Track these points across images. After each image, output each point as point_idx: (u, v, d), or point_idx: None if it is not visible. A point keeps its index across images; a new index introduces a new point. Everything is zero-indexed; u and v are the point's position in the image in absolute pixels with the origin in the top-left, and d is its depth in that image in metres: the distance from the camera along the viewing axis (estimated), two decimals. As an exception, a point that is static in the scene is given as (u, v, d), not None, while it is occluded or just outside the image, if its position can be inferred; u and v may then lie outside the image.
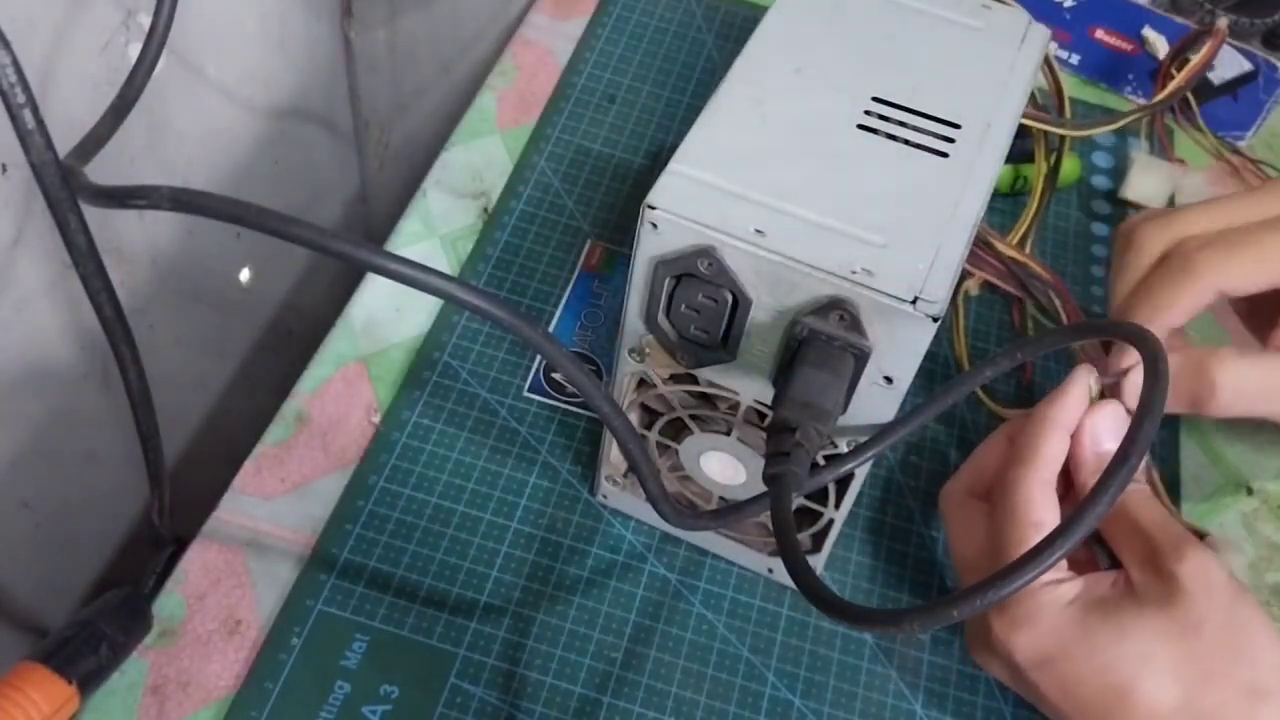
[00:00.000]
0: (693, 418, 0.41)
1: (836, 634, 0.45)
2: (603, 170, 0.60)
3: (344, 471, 0.48)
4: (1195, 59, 0.57)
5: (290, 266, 0.62)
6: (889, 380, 0.34)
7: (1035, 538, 0.35)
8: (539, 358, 0.52)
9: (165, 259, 0.49)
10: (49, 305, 0.42)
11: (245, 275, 0.57)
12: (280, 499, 0.47)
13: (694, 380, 0.38)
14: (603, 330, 0.53)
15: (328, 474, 0.47)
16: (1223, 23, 0.56)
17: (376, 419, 0.49)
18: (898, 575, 0.47)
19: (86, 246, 0.33)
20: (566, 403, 0.51)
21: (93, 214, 0.32)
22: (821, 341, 0.33)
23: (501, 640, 0.44)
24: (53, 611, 0.49)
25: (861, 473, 0.39)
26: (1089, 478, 0.39)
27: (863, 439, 0.36)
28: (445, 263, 0.55)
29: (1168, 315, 0.41)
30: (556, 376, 0.51)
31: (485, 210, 0.57)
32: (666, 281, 0.35)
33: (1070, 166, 0.60)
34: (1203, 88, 0.63)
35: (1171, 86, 0.57)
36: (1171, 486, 0.51)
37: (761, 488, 0.35)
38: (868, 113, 0.37)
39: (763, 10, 0.41)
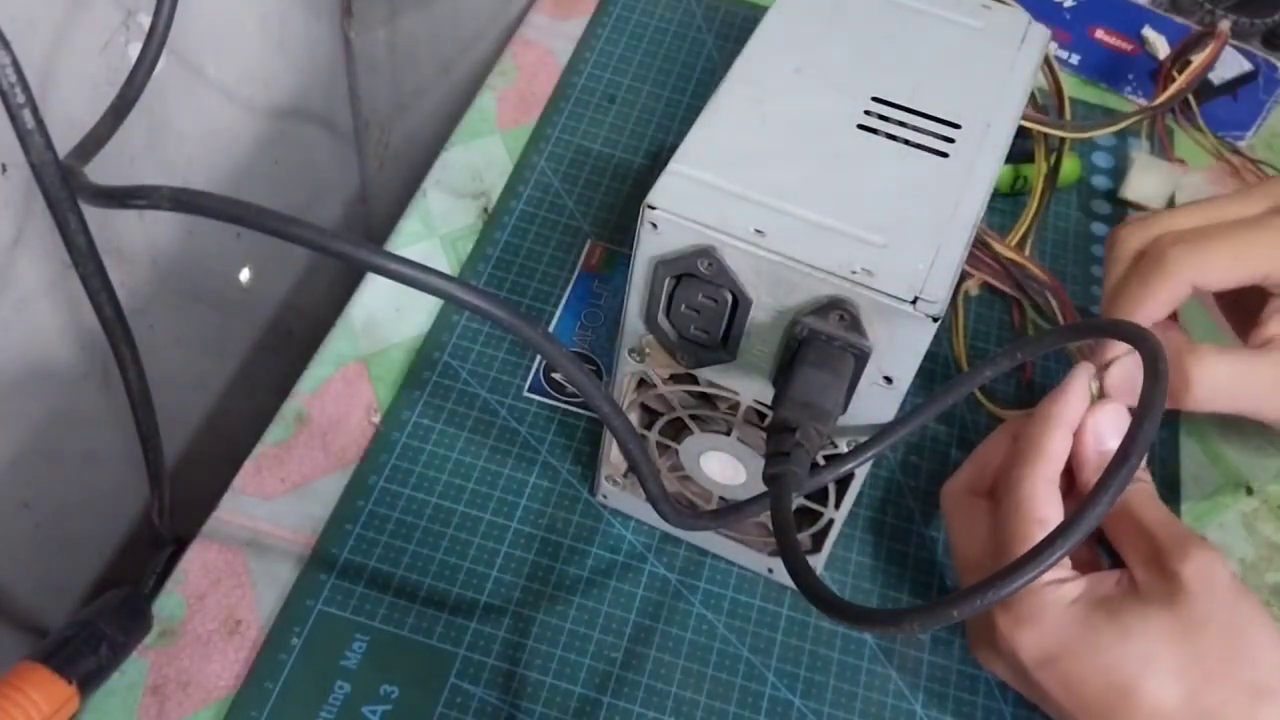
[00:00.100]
0: (693, 418, 0.41)
1: (836, 634, 0.45)
2: (603, 170, 0.60)
3: (344, 471, 0.48)
4: (1197, 61, 0.57)
5: (290, 266, 0.62)
6: (889, 380, 0.34)
7: (1039, 535, 0.35)
8: (539, 358, 0.52)
9: (165, 259, 0.49)
10: (49, 305, 0.42)
11: (245, 275, 0.57)
12: (280, 499, 0.47)
13: (694, 380, 0.38)
14: (603, 330, 0.53)
15: (328, 474, 0.47)
16: (1225, 25, 0.56)
17: (376, 419, 0.49)
18: (898, 575, 0.47)
19: (86, 246, 0.33)
20: (566, 403, 0.51)
21: (93, 214, 0.32)
22: (821, 341, 0.33)
23: (501, 640, 0.44)
24: (53, 611, 0.49)
25: (861, 473, 0.39)
26: (1091, 476, 0.39)
27: (863, 439, 0.36)
28: (445, 263, 0.55)
29: (1142, 309, 0.42)
30: (556, 376, 0.51)
31: (485, 210, 0.57)
32: (666, 281, 0.35)
33: (1070, 167, 0.60)
34: (1203, 88, 0.63)
35: (1173, 89, 0.57)
36: (1171, 486, 0.51)
37: (761, 488, 0.35)
38: (868, 113, 0.37)
39: (763, 10, 0.41)
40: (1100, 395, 0.40)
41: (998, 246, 0.51)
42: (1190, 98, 0.63)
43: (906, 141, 0.36)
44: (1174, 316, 0.45)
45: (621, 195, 0.59)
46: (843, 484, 0.40)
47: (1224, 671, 0.35)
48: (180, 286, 0.51)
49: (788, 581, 0.45)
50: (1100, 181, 0.63)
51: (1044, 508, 0.38)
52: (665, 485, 0.38)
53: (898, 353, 0.33)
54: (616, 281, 0.55)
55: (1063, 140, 0.53)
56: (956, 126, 0.37)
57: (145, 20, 0.38)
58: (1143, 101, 0.66)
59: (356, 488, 0.47)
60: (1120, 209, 0.61)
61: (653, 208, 0.33)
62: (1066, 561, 0.38)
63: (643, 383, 0.40)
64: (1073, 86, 0.64)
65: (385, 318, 0.53)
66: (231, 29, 0.49)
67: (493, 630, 0.44)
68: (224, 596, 0.44)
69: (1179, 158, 0.63)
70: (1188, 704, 0.35)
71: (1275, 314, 0.43)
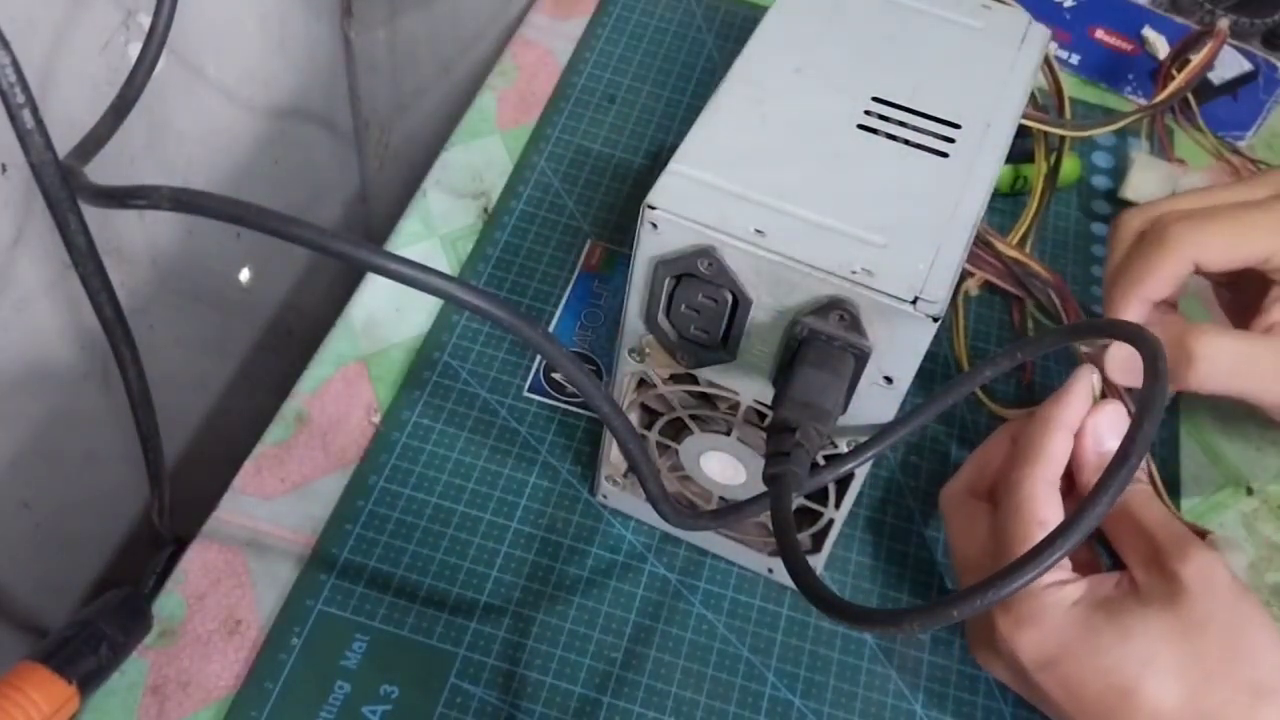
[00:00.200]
0: (693, 418, 0.41)
1: (836, 634, 0.45)
2: (603, 170, 0.60)
3: (344, 471, 0.48)
4: (1196, 60, 0.57)
5: (290, 266, 0.62)
6: (889, 380, 0.34)
7: (1039, 536, 0.35)
8: (539, 358, 0.52)
9: (165, 259, 0.49)
10: (49, 305, 0.42)
11: (245, 275, 0.57)
12: (280, 499, 0.47)
13: (694, 380, 0.38)
14: (603, 330, 0.53)
15: (328, 474, 0.47)
16: (1224, 24, 0.56)
17: (376, 419, 0.49)
18: (898, 575, 0.47)
19: (86, 246, 0.33)
20: (566, 403, 0.51)
21: (93, 214, 0.32)
22: (821, 341, 0.33)
23: (501, 640, 0.44)
24: (53, 611, 0.49)
25: (861, 473, 0.39)
26: (1091, 477, 0.39)
27: (863, 439, 0.36)
28: (445, 263, 0.55)
29: (1144, 286, 0.42)
30: (556, 376, 0.51)
31: (485, 210, 0.57)
32: (666, 281, 0.35)
33: (1070, 166, 0.60)
34: (1203, 88, 0.63)
35: (1172, 87, 0.57)
36: (1171, 486, 0.51)
37: (761, 488, 0.35)
38: (868, 113, 0.37)
39: (763, 10, 0.41)
40: (1102, 387, 0.40)
41: (999, 245, 0.51)
42: (1190, 97, 0.63)
43: (906, 141, 0.36)
44: (1174, 308, 0.45)
45: (621, 195, 0.59)
46: (843, 484, 0.40)
47: (1224, 672, 0.35)
48: (180, 286, 0.51)
49: (788, 581, 0.45)
50: (1100, 181, 0.63)
51: (1044, 509, 0.38)
52: (665, 485, 0.38)
53: (898, 353, 0.33)
54: (616, 281, 0.55)
55: (1063, 140, 0.53)
56: (956, 126, 0.37)
57: (145, 20, 0.38)
58: (1142, 101, 0.66)
59: (356, 488, 0.47)
60: (1120, 209, 0.61)
61: (653, 208, 0.33)
62: (1066, 563, 0.38)
63: (643, 383, 0.40)
64: (1073, 86, 0.64)
65: (385, 318, 0.53)
66: (231, 29, 0.49)
67: (493, 630, 0.44)
68: (224, 596, 0.44)
69: (1179, 157, 0.63)
70: (1188, 704, 0.35)
71: (1277, 301, 0.43)
